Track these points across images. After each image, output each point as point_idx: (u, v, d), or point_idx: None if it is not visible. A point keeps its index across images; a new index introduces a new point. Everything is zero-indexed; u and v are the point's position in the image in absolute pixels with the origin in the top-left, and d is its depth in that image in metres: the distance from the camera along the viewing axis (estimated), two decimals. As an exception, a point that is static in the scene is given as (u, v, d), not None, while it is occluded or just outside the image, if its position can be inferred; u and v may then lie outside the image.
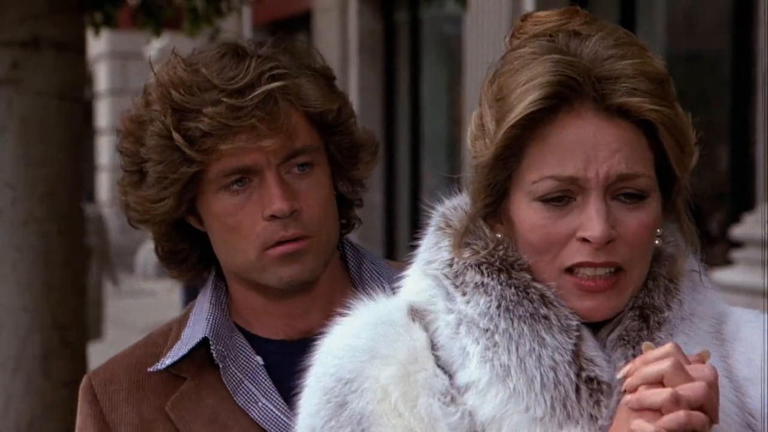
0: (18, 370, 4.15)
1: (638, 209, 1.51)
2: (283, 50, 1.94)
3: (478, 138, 1.55)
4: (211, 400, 1.95)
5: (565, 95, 1.49)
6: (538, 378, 1.48)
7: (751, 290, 6.37)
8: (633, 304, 1.53)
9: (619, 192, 1.50)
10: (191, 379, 1.96)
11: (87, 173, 17.31)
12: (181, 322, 2.03)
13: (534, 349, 1.50)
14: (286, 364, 1.88)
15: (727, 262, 7.00)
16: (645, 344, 1.46)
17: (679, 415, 1.38)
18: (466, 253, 1.55)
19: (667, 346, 1.43)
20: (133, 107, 1.97)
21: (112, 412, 1.97)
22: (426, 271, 1.58)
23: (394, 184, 12.04)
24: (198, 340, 1.96)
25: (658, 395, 1.40)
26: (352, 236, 2.10)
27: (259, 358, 1.96)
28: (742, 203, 7.07)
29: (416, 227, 1.66)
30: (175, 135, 1.87)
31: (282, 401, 1.92)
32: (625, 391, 1.44)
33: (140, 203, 1.95)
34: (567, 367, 1.49)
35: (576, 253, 1.49)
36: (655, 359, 1.42)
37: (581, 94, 1.49)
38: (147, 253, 16.53)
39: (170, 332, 2.03)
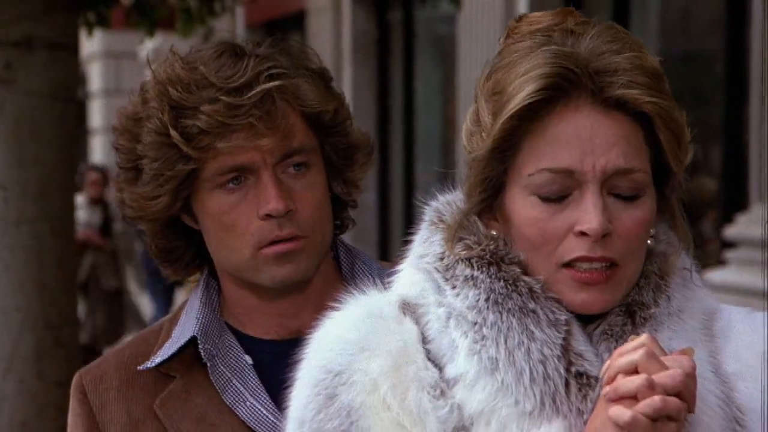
0: (10, 370, 4.14)
1: (634, 206, 1.51)
2: (280, 50, 1.95)
3: (474, 133, 1.55)
4: (199, 399, 1.95)
5: (562, 87, 1.49)
6: (528, 372, 1.49)
7: (744, 290, 6.37)
8: (623, 300, 1.54)
9: (616, 189, 1.50)
10: (180, 377, 1.97)
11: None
12: (172, 321, 2.04)
13: (523, 342, 1.50)
14: (276, 363, 1.89)
15: (720, 263, 7.00)
16: (631, 338, 1.46)
17: (654, 400, 1.39)
18: (459, 248, 1.55)
19: (642, 337, 1.43)
20: (130, 104, 1.97)
21: (101, 411, 1.97)
22: (418, 265, 1.59)
23: (387, 184, 12.04)
24: (187, 339, 1.96)
25: (632, 382, 1.40)
26: (346, 236, 2.10)
27: (248, 358, 1.96)
28: (736, 204, 7.07)
29: (410, 227, 1.66)
30: (173, 132, 1.87)
31: (270, 401, 1.92)
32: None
33: (135, 200, 1.95)
34: (556, 362, 1.49)
35: (574, 248, 1.49)
36: (629, 350, 1.42)
37: (578, 87, 1.50)
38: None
39: (161, 331, 2.03)
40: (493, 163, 1.52)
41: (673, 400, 1.40)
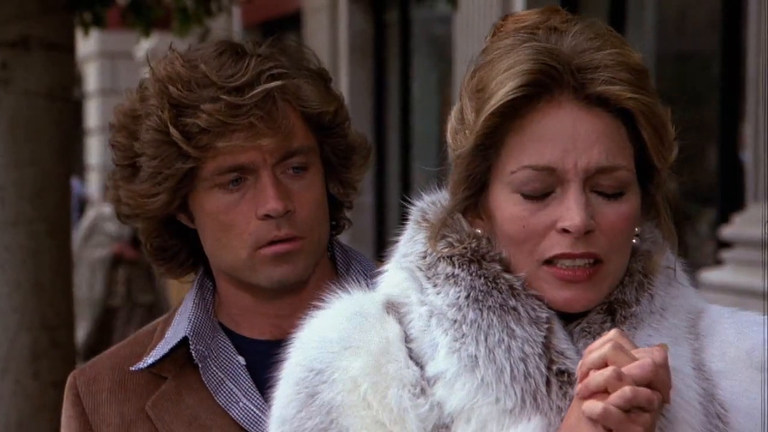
0: (6, 370, 4.14)
1: (617, 202, 1.51)
2: (280, 50, 1.94)
3: (459, 131, 1.55)
4: (191, 399, 1.94)
5: (544, 84, 1.49)
6: (508, 369, 1.48)
7: (740, 290, 6.38)
8: (606, 298, 1.54)
9: (598, 186, 1.50)
10: (172, 378, 1.96)
11: (77, 173, 17.27)
12: (166, 322, 2.03)
13: (503, 339, 1.50)
14: (270, 364, 1.89)
15: (716, 262, 7.01)
16: (603, 334, 1.46)
17: (624, 391, 1.38)
18: (441, 246, 1.55)
19: (611, 332, 1.43)
20: (127, 101, 1.96)
21: (94, 413, 1.97)
22: (401, 264, 1.59)
23: (384, 184, 12.03)
24: (178, 340, 1.96)
25: (601, 375, 1.40)
26: (342, 236, 2.10)
27: (240, 358, 1.96)
28: (732, 203, 7.07)
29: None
30: (173, 130, 1.86)
31: (263, 401, 1.91)
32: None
33: (132, 198, 1.94)
34: (537, 360, 1.49)
35: (555, 245, 1.49)
36: (598, 346, 1.42)
37: (561, 83, 1.49)
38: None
39: (155, 331, 2.02)
40: (477, 160, 1.52)
41: (644, 390, 1.39)
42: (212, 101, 1.85)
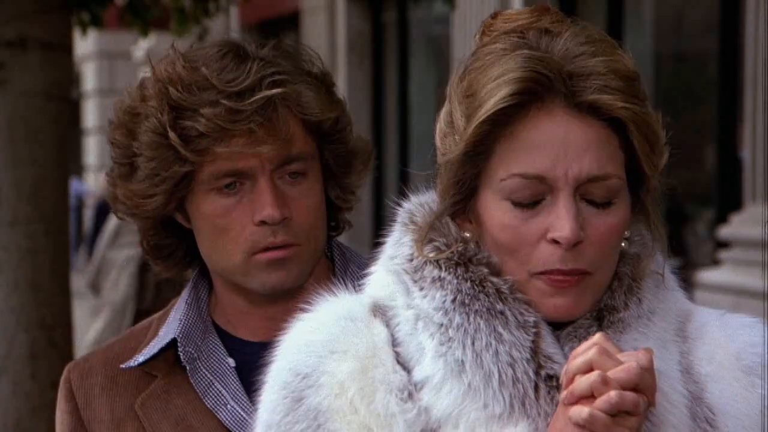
0: (4, 371, 4.14)
1: (607, 212, 1.50)
2: (283, 54, 1.92)
3: (448, 135, 1.54)
4: (179, 400, 1.93)
5: (535, 91, 1.47)
6: (496, 374, 1.47)
7: (738, 290, 6.38)
8: (595, 305, 1.53)
9: (589, 195, 1.49)
10: (162, 377, 1.95)
11: (75, 173, 17.26)
12: (161, 318, 2.02)
13: (491, 344, 1.48)
14: (262, 366, 1.89)
15: (714, 262, 7.01)
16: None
17: (609, 395, 1.38)
18: (428, 250, 1.54)
19: (595, 336, 1.43)
20: (127, 97, 1.94)
21: (86, 408, 1.96)
22: (388, 266, 1.58)
23: (382, 184, 12.03)
24: (168, 341, 1.95)
25: (586, 380, 1.39)
26: (341, 236, 2.09)
27: (231, 360, 1.95)
28: (730, 203, 7.08)
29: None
30: (171, 134, 1.85)
31: (250, 404, 1.89)
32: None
33: (129, 197, 1.93)
34: (525, 365, 1.48)
35: (547, 260, 1.48)
36: (582, 351, 1.42)
37: (552, 91, 1.48)
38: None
39: (150, 328, 2.02)
40: (466, 166, 1.51)
41: (630, 394, 1.38)
42: (212, 105, 1.84)
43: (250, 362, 1.93)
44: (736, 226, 6.70)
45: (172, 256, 2.00)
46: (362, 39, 12.22)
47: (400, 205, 1.60)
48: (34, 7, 4.11)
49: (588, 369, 1.40)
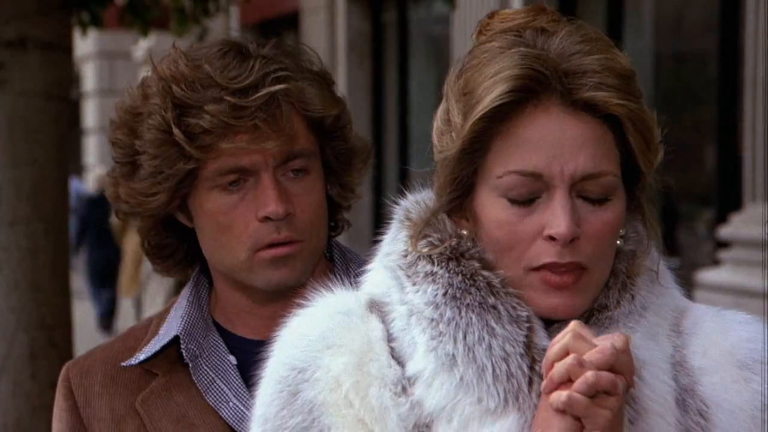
0: (4, 371, 4.14)
1: (603, 209, 1.51)
2: (284, 52, 1.94)
3: (445, 132, 1.55)
4: (180, 397, 1.94)
5: (531, 89, 1.49)
6: (490, 368, 1.48)
7: (738, 290, 6.38)
8: (590, 304, 1.54)
9: (584, 192, 1.50)
10: (162, 375, 1.96)
11: (75, 173, 17.26)
12: (161, 317, 2.03)
13: (483, 338, 1.49)
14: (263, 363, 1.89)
15: (714, 262, 7.01)
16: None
17: (586, 376, 1.39)
18: (422, 245, 1.55)
19: (570, 324, 1.44)
20: (128, 97, 1.95)
21: (86, 406, 1.97)
22: (384, 263, 1.59)
23: (382, 184, 12.03)
24: (170, 338, 1.96)
25: (563, 364, 1.41)
26: (341, 235, 2.10)
27: (232, 358, 1.96)
28: (730, 203, 7.08)
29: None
30: (175, 130, 1.86)
31: (252, 401, 1.91)
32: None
33: (132, 196, 1.93)
34: (519, 359, 1.49)
35: (542, 254, 1.49)
36: (558, 339, 1.43)
37: (548, 89, 1.49)
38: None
39: (149, 327, 2.02)
40: (463, 163, 1.52)
41: (606, 374, 1.39)
42: (216, 102, 1.85)
43: (250, 360, 1.94)
44: (736, 226, 6.70)
45: (173, 256, 2.01)
46: (362, 39, 12.22)
47: (397, 203, 1.62)
48: (34, 7, 4.11)
49: (564, 355, 1.41)
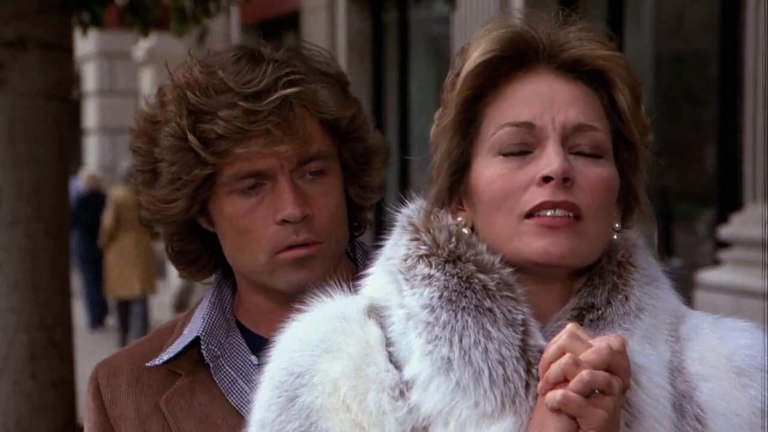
0: (5, 371, 4.14)
1: (596, 163, 1.53)
2: (298, 55, 1.96)
3: (441, 118, 1.59)
4: (203, 397, 1.96)
5: (520, 50, 1.53)
6: (486, 372, 1.48)
7: (739, 291, 6.38)
8: (575, 304, 1.55)
9: (577, 147, 1.52)
10: (186, 375, 1.98)
11: (75, 173, 17.27)
12: (186, 318, 2.06)
13: (479, 341, 1.50)
14: None
15: (714, 262, 7.01)
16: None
17: (581, 375, 1.40)
18: (423, 247, 1.57)
19: (567, 326, 1.44)
20: (146, 106, 1.98)
21: (112, 406, 2.00)
22: (385, 267, 1.60)
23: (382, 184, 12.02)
24: (191, 339, 1.98)
25: (558, 364, 1.41)
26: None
27: (253, 358, 1.97)
28: (730, 203, 7.08)
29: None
30: (190, 137, 1.88)
31: None
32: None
33: (152, 203, 1.96)
34: (515, 363, 1.49)
35: (536, 196, 1.50)
36: (555, 340, 1.44)
37: (536, 52, 1.54)
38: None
39: (175, 327, 2.05)
40: (458, 133, 1.55)
41: (602, 373, 1.40)
42: (229, 107, 1.87)
43: None
44: (737, 226, 6.71)
45: (197, 261, 2.04)
46: (362, 39, 12.23)
47: (399, 210, 1.63)
48: (34, 7, 4.12)
49: (561, 355, 1.42)
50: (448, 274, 1.53)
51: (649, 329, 1.56)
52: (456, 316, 1.51)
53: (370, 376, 1.51)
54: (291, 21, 13.30)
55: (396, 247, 1.60)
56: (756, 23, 6.57)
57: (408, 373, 1.51)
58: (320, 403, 1.51)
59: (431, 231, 1.57)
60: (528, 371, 1.49)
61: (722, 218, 7.06)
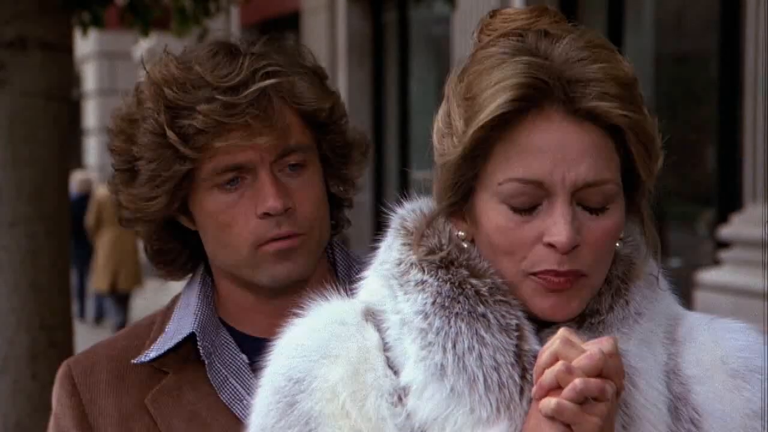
0: (5, 371, 4.14)
1: (603, 217, 1.51)
2: (275, 48, 1.95)
3: (446, 135, 1.54)
4: (191, 396, 1.94)
5: (534, 97, 1.48)
6: (481, 378, 1.48)
7: (739, 291, 6.38)
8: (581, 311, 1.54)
9: (585, 201, 1.50)
10: (173, 373, 1.96)
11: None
12: (165, 315, 2.03)
13: (473, 347, 1.49)
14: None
15: (714, 262, 7.01)
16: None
17: (574, 383, 1.39)
18: (421, 251, 1.55)
19: (559, 331, 1.44)
20: (124, 105, 1.97)
21: (91, 404, 1.97)
22: (379, 271, 1.59)
23: (382, 184, 12.03)
24: (185, 335, 1.96)
25: (551, 371, 1.40)
26: (340, 235, 2.10)
27: (243, 356, 1.96)
28: (730, 203, 7.08)
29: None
30: (169, 133, 1.87)
31: None
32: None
33: (132, 201, 1.94)
34: (510, 369, 1.48)
35: (542, 260, 1.48)
36: (548, 346, 1.43)
37: (551, 97, 1.48)
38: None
39: (153, 325, 2.02)
40: (464, 168, 1.52)
41: (595, 380, 1.39)
42: (207, 102, 1.86)
43: (258, 359, 1.95)
44: (737, 226, 6.71)
45: (176, 261, 2.02)
46: (362, 39, 12.23)
47: (394, 210, 1.61)
48: (34, 7, 4.11)
49: (554, 361, 1.41)
50: (441, 279, 1.52)
51: (647, 333, 1.55)
52: (449, 322, 1.50)
53: (368, 381, 1.51)
54: (291, 21, 13.30)
55: (389, 250, 1.59)
56: (756, 23, 6.56)
57: (404, 379, 1.51)
58: (319, 409, 1.50)
59: (425, 236, 1.55)
60: (523, 377, 1.48)
61: (722, 218, 7.06)
